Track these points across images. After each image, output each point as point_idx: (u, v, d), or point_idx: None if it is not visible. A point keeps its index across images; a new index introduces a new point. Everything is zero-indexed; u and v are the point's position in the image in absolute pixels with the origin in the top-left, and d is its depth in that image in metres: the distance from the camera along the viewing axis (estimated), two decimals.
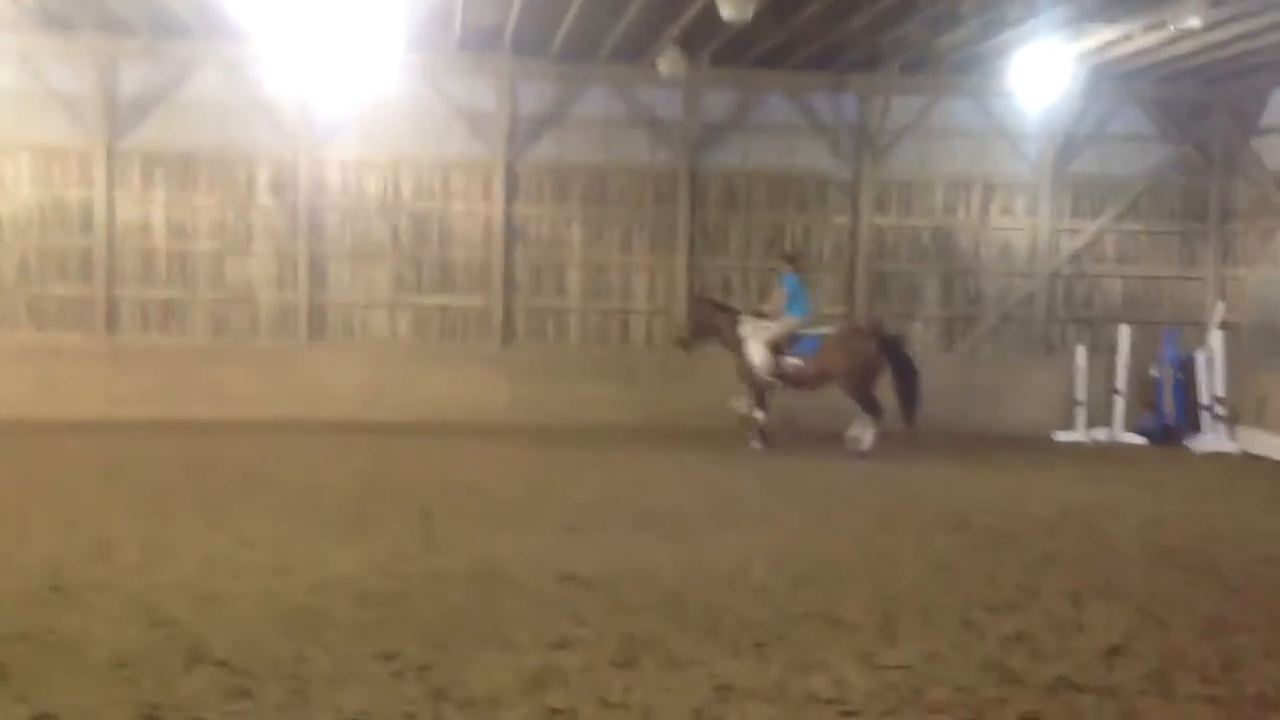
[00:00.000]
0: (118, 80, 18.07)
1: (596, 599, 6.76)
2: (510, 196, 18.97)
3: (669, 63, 17.07)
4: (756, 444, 15.81)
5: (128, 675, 5.12)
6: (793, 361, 15.59)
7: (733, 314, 16.32)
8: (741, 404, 16.32)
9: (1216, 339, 18.29)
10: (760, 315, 16.07)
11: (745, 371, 15.95)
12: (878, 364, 15.52)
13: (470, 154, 18.95)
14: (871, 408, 15.54)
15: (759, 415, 15.95)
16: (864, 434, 15.37)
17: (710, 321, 16.38)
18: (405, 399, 18.17)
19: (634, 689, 5.09)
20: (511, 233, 17.75)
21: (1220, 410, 18.01)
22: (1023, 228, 19.89)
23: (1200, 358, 18.14)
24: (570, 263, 19.21)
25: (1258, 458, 16.38)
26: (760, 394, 15.96)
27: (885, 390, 15.72)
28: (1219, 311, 18.79)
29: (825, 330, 15.96)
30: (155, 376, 17.90)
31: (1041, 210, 19.76)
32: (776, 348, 15.63)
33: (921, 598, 6.99)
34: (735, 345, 16.04)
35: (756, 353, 15.72)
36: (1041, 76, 16.63)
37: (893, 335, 16.42)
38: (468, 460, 13.80)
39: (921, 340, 19.62)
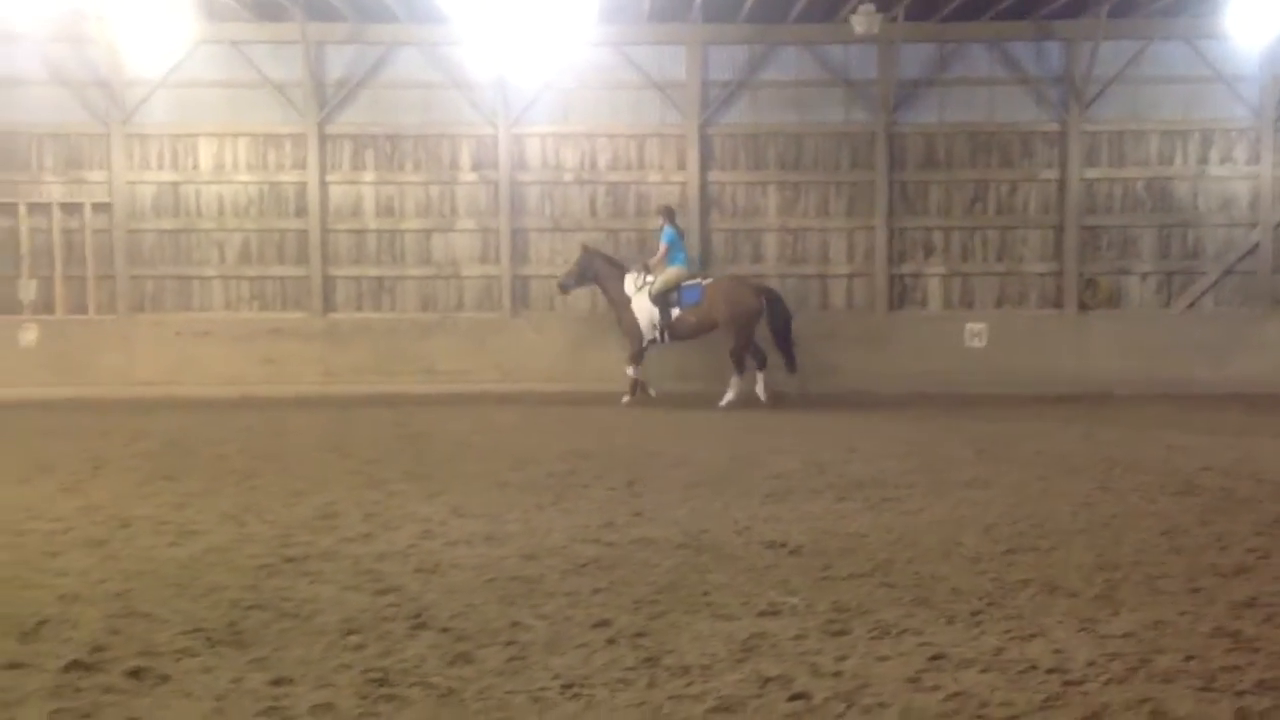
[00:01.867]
0: (325, 65, 18.74)
1: (805, 567, 6.71)
2: (705, 164, 18.96)
3: (863, 19, 16.79)
4: (627, 399, 16.49)
5: (356, 641, 5.32)
6: (676, 312, 16.45)
7: (620, 269, 16.96)
8: (633, 371, 16.86)
9: None
10: (647, 269, 16.71)
11: (629, 328, 16.70)
12: (757, 312, 16.31)
13: (665, 123, 19.03)
14: (741, 362, 16.32)
15: (630, 371, 16.74)
16: (730, 392, 16.26)
17: (594, 272, 17.04)
18: (604, 368, 18.42)
19: (847, 657, 5.04)
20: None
21: None
22: (1244, 176, 18.92)
23: None
24: (766, 228, 19.13)
25: None
26: (640, 350, 16.73)
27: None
28: None
29: (706, 281, 16.62)
30: (368, 352, 18.58)
31: (1264, 157, 18.77)
32: (663, 300, 16.40)
33: (1145, 564, 6.72)
34: (621, 302, 16.79)
35: (642, 310, 16.50)
36: (1258, 15, 15.72)
37: (770, 287, 17.09)
38: (669, 428, 13.89)
39: (1137, 296, 18.89)
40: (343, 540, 7.49)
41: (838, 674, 4.82)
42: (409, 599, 6.03)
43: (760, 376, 16.51)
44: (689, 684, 4.71)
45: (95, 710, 4.44)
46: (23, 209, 18.62)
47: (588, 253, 17.41)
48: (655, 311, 16.46)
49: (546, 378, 18.44)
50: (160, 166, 18.89)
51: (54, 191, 18.75)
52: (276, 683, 4.75)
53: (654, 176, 19.10)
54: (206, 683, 4.76)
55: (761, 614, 5.72)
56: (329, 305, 18.99)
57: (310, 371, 18.60)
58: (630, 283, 16.73)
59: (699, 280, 16.67)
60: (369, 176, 18.99)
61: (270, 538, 7.57)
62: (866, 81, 18.96)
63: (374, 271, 19.05)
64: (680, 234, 16.90)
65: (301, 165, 18.83)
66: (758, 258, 19.12)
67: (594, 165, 19.12)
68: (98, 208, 18.77)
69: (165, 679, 4.81)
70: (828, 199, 19.20)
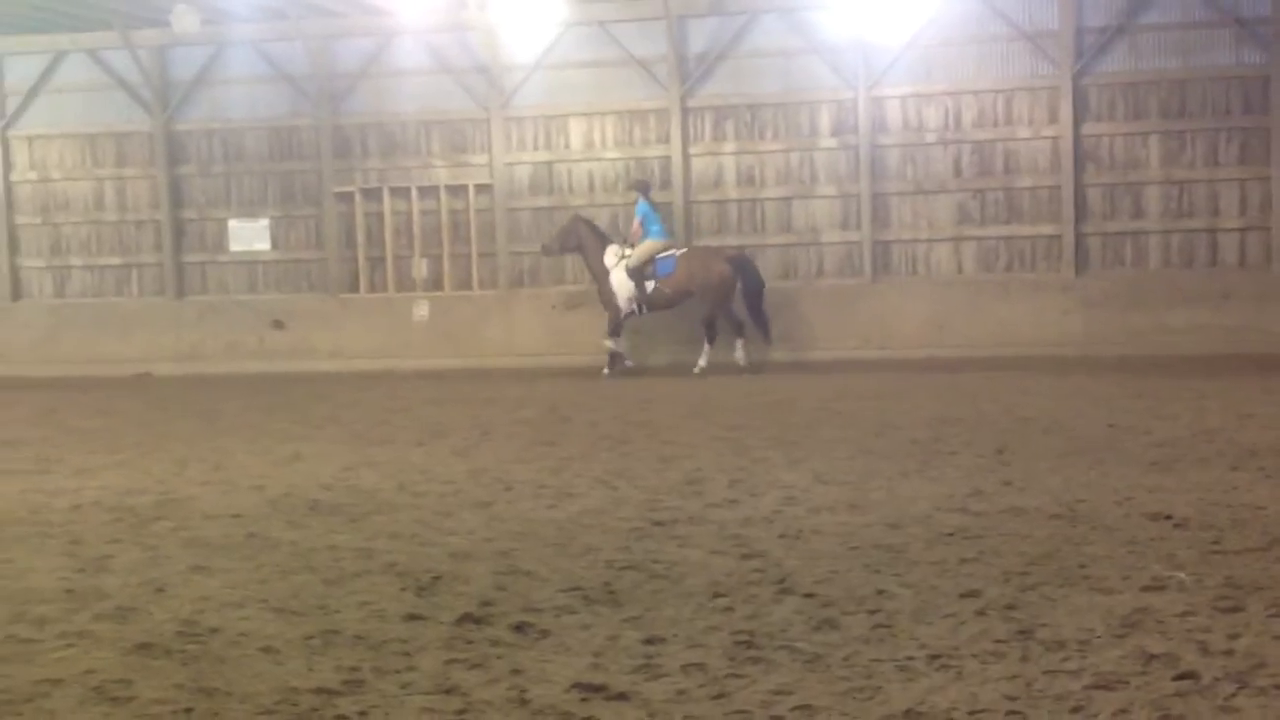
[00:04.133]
0: (687, 39, 19.04)
1: (1193, 540, 6.31)
2: (1079, 116, 18.05)
3: None
4: (607, 371, 16.90)
5: (724, 604, 5.43)
6: (651, 285, 16.82)
7: (603, 241, 17.34)
8: (612, 343, 17.25)
9: None
10: (629, 244, 17.19)
11: (607, 299, 17.14)
12: (731, 281, 16.74)
13: (1034, 75, 18.26)
14: (714, 330, 16.89)
15: (610, 344, 17.14)
16: (702, 359, 16.75)
17: (578, 240, 17.46)
18: (971, 333, 17.94)
19: (1240, 635, 4.72)
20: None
21: None
22: None
23: None
24: (1148, 181, 18.01)
25: None
26: (618, 322, 17.16)
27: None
28: None
29: (679, 251, 17.09)
30: None
31: None
32: (639, 273, 16.82)
33: None
34: (601, 274, 17.21)
35: (620, 283, 16.92)
36: None
37: (742, 255, 17.46)
38: (1041, 394, 13.36)
39: None
40: (709, 505, 7.66)
41: (1229, 653, 4.52)
42: (773, 564, 6.11)
43: (739, 344, 16.79)
44: (1065, 659, 4.53)
45: (484, 661, 4.74)
46: (414, 192, 19.98)
47: (575, 220, 17.81)
48: (631, 285, 16.91)
49: (910, 344, 18.12)
50: (535, 147, 19.80)
51: (440, 175, 20.01)
52: (649, 641, 4.92)
53: (1023, 132, 18.34)
54: (584, 639, 4.99)
55: (1145, 589, 5.44)
56: None
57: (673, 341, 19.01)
58: (611, 255, 17.12)
59: (674, 252, 17.04)
60: (729, 147, 19.21)
61: (640, 502, 7.85)
62: (1260, 20, 17.47)
63: (735, 241, 19.26)
64: (654, 207, 17.30)
65: (665, 139, 19.27)
66: (1138, 213, 18.03)
67: (958, 124, 18.56)
68: (479, 188, 19.89)
69: (546, 634, 5.07)
70: (1216, 148, 17.84)
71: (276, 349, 19.80)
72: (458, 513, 7.69)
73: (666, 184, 19.28)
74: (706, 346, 16.92)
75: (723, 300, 16.85)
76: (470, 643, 4.99)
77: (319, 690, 4.45)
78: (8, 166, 20.71)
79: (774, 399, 13.62)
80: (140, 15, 18.65)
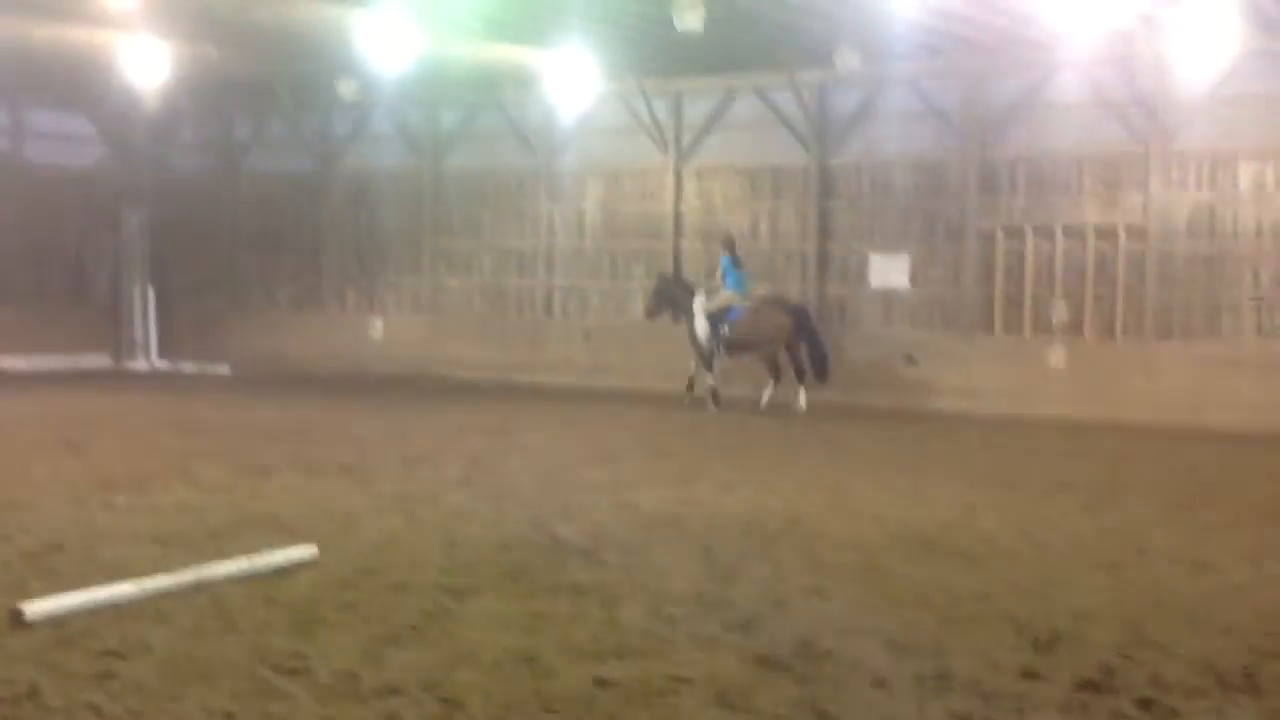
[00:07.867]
0: None
1: None
2: None
3: None
4: (712, 407, 17.94)
5: None
6: (724, 330, 18.15)
7: (690, 290, 18.88)
8: (695, 371, 18.67)
9: None
10: (713, 291, 18.49)
11: (692, 338, 18.58)
12: (788, 330, 18.04)
13: None
14: (777, 372, 18.26)
15: (708, 379, 18.40)
16: (765, 393, 18.04)
17: (670, 297, 19.08)
18: None
19: None
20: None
21: None
22: None
23: None
24: None
25: None
26: (705, 359, 18.48)
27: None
28: None
29: (747, 304, 18.34)
30: None
31: None
32: (715, 318, 18.26)
33: None
34: (690, 318, 18.68)
35: (700, 325, 18.43)
36: None
37: (802, 307, 18.89)
38: None
39: None
40: None
41: None
42: None
43: (770, 387, 18.14)
44: None
45: None
46: (1059, 231, 19.32)
47: (661, 280, 19.59)
48: (709, 328, 18.32)
49: None
50: (1197, 187, 18.42)
51: (1089, 213, 19.16)
52: None
53: None
54: None
55: None
56: None
57: None
58: (698, 302, 18.46)
59: (745, 303, 18.32)
60: None
61: None
62: None
63: None
64: (735, 261, 18.50)
65: None
66: None
67: None
68: (1130, 229, 18.84)
69: (1174, 714, 4.67)
70: None
71: (905, 384, 19.98)
72: (1083, 570, 7.31)
73: None
74: (770, 383, 18.16)
75: (783, 349, 18.20)
76: (1087, 710, 4.70)
77: None
78: (679, 196, 22.58)
79: None
80: (805, 56, 19.61)
